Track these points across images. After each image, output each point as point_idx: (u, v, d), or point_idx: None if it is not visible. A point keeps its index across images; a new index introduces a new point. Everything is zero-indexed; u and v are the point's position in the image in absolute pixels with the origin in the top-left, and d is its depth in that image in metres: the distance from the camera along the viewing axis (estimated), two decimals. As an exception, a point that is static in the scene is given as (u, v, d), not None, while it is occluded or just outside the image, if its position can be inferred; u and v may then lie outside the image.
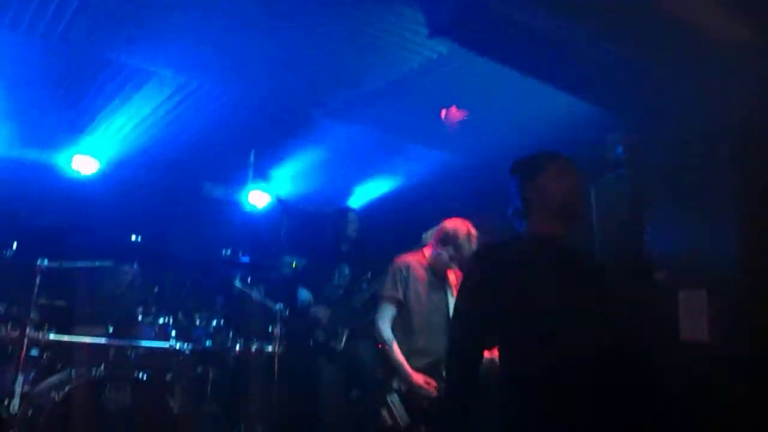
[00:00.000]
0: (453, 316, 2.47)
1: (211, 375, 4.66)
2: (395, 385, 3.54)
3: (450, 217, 4.03)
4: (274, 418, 4.71)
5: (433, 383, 3.46)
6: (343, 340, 5.10)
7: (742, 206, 3.41)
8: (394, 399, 3.50)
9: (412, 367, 3.54)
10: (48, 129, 5.29)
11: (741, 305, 3.28)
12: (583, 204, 2.42)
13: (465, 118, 4.66)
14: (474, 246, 3.69)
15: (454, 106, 4.47)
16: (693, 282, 3.57)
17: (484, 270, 2.30)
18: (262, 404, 4.72)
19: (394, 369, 3.57)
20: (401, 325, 3.70)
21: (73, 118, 5.04)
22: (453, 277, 3.83)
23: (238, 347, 4.56)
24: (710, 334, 3.32)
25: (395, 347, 3.62)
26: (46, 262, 3.74)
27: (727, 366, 3.17)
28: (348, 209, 5.72)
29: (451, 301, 3.67)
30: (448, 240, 3.75)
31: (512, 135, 5.00)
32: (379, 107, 4.73)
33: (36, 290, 3.71)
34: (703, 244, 3.59)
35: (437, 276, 3.79)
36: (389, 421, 3.45)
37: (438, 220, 4.05)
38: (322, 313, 5.20)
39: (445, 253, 3.74)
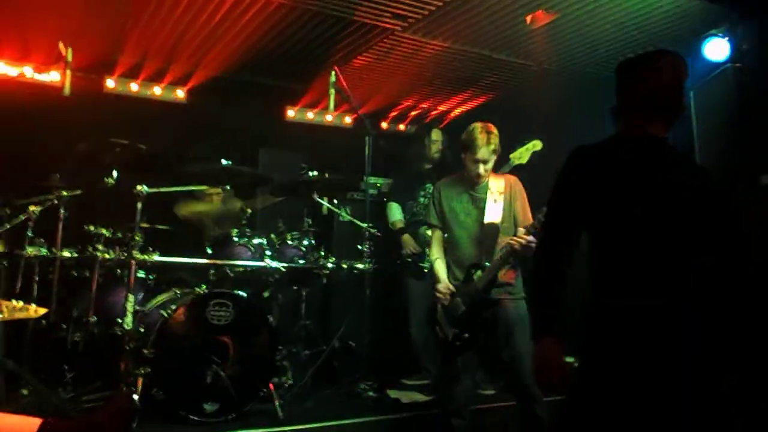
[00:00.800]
0: (546, 214, 2.44)
1: (304, 293, 4.83)
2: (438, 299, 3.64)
3: (535, 129, 3.91)
4: (367, 333, 4.84)
5: (450, 289, 3.56)
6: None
7: None
8: (439, 313, 3.59)
9: (454, 280, 3.61)
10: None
11: None
12: (683, 100, 2.26)
13: (551, 21, 4.42)
14: (491, 145, 3.56)
15: (540, 10, 4.25)
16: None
17: (575, 169, 2.26)
18: (355, 320, 4.86)
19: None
20: (446, 244, 3.78)
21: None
22: (499, 181, 3.68)
23: (329, 265, 4.65)
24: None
25: (437, 264, 3.71)
26: (145, 187, 3.88)
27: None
28: (430, 128, 5.64)
29: (490, 206, 3.58)
30: (466, 146, 3.63)
31: (607, 37, 4.73)
32: (462, 18, 4.55)
33: (138, 215, 3.88)
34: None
35: (474, 187, 3.68)
36: (440, 335, 3.57)
37: (529, 134, 3.92)
38: (409, 240, 5.27)
39: (467, 160, 3.62)
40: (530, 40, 4.80)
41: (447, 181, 3.85)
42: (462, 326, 3.48)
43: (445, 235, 3.78)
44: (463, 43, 4.98)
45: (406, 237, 5.32)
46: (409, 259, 5.26)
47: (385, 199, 5.82)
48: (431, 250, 3.84)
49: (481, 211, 3.61)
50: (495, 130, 3.60)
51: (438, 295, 3.58)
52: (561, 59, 5.21)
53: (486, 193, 3.64)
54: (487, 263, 3.48)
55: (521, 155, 3.86)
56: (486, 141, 3.55)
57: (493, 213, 3.58)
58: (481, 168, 3.59)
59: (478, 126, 3.61)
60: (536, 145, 3.84)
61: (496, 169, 3.75)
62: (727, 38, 4.08)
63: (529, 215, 3.63)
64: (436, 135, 5.48)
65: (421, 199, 5.41)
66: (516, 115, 5.66)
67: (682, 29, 4.43)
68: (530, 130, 4.10)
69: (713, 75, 4.00)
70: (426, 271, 5.15)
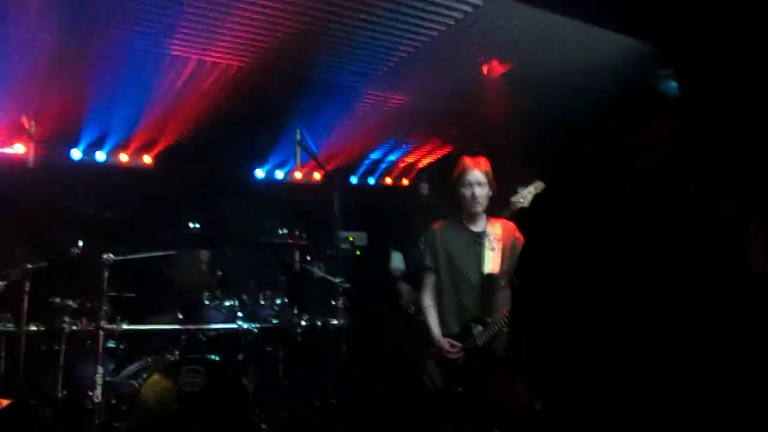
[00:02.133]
0: (518, 261, 2.41)
1: (280, 352, 4.76)
2: (432, 350, 3.47)
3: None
4: (348, 389, 4.77)
5: (457, 346, 3.36)
6: None
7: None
8: (430, 364, 3.44)
9: (447, 331, 3.43)
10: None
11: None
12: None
13: (505, 72, 4.55)
14: (481, 167, 3.47)
15: (495, 60, 4.37)
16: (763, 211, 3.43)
17: (545, 208, 2.28)
18: (334, 377, 4.79)
19: (427, 334, 3.50)
20: (438, 290, 3.55)
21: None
22: (496, 228, 3.55)
23: (303, 323, 4.61)
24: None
25: (429, 313, 3.53)
26: (111, 256, 3.85)
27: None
28: (423, 176, 5.55)
29: (488, 254, 3.45)
30: (455, 178, 3.53)
31: (558, 85, 4.86)
32: (420, 72, 4.66)
33: (105, 284, 3.83)
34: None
35: (469, 231, 3.54)
36: (430, 386, 3.42)
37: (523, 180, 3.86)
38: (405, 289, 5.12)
39: (460, 190, 3.50)
40: (486, 91, 4.91)
41: (443, 223, 3.65)
42: (456, 380, 3.35)
43: (440, 280, 3.55)
44: (424, 96, 5.09)
45: (402, 287, 5.15)
46: (411, 312, 5.05)
47: (358, 253, 5.81)
48: (423, 295, 3.60)
49: (479, 258, 3.46)
50: (485, 160, 3.51)
51: (446, 350, 3.36)
52: (521, 108, 5.33)
53: (484, 239, 3.49)
54: (487, 319, 3.34)
55: (524, 198, 3.66)
56: (475, 163, 3.46)
57: (492, 262, 3.43)
58: (476, 190, 3.44)
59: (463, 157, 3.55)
60: (538, 186, 3.62)
61: (498, 215, 3.64)
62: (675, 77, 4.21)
63: None
64: (428, 183, 5.38)
65: (422, 247, 5.23)
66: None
67: (631, 71, 4.57)
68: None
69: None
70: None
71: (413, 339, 5.02)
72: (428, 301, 3.56)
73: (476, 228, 3.55)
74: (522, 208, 3.65)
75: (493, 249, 3.46)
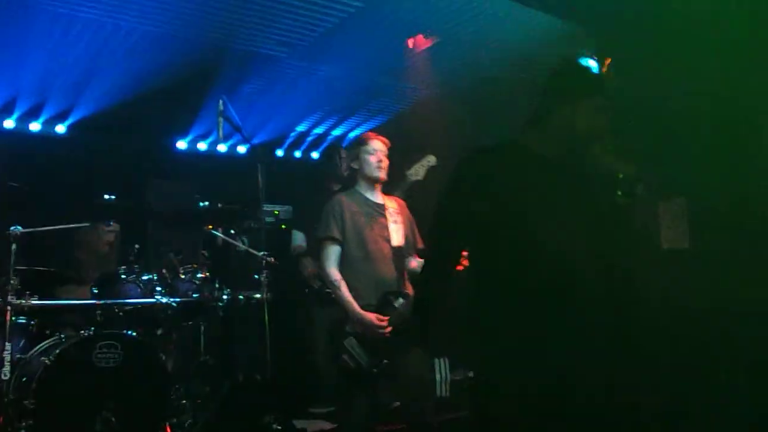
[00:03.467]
0: (433, 218, 2.39)
1: (202, 327, 4.69)
2: (349, 328, 3.42)
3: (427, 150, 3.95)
4: (271, 365, 4.74)
5: (385, 319, 3.35)
6: None
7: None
8: (351, 342, 3.39)
9: (364, 304, 3.40)
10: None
11: (719, 210, 3.31)
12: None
13: (432, 45, 4.56)
14: (380, 141, 3.60)
15: (421, 34, 4.37)
16: (671, 192, 3.59)
17: (465, 173, 2.28)
18: (257, 352, 4.75)
19: (345, 309, 3.43)
20: (348, 262, 3.52)
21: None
22: (392, 202, 3.66)
23: (225, 297, 4.54)
24: (690, 241, 3.36)
25: (343, 286, 3.45)
26: (20, 228, 3.68)
27: (707, 270, 3.21)
28: (338, 146, 5.59)
29: (393, 227, 3.53)
30: (356, 150, 3.65)
31: (481, 61, 4.91)
32: (345, 44, 4.61)
33: (13, 257, 3.65)
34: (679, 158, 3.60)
35: (372, 203, 3.60)
36: (351, 365, 3.38)
37: (418, 155, 3.96)
38: (309, 262, 5.18)
39: (363, 158, 3.60)
40: (413, 64, 4.93)
41: (345, 194, 3.67)
42: (381, 354, 3.35)
43: (347, 252, 3.52)
44: (350, 68, 5.04)
45: (305, 261, 5.21)
46: (316, 285, 5.15)
47: (284, 227, 5.77)
48: (329, 269, 3.51)
49: (386, 229, 3.52)
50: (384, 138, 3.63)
51: (374, 325, 3.32)
52: (443, 83, 5.36)
53: (385, 211, 3.57)
54: (404, 290, 3.40)
55: (417, 171, 3.87)
56: (374, 136, 3.60)
57: (397, 234, 3.51)
58: (380, 157, 3.55)
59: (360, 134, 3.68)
60: (431, 160, 3.88)
61: (394, 189, 3.74)
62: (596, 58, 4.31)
63: (419, 239, 3.65)
64: (344, 153, 5.37)
65: None
66: (406, 138, 5.76)
67: (554, 51, 4.66)
68: (422, 151, 4.17)
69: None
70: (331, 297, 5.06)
71: (327, 315, 5.09)
72: (336, 275, 3.48)
73: (376, 200, 3.62)
74: (416, 182, 3.82)
75: (395, 222, 3.56)
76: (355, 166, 3.70)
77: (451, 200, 2.31)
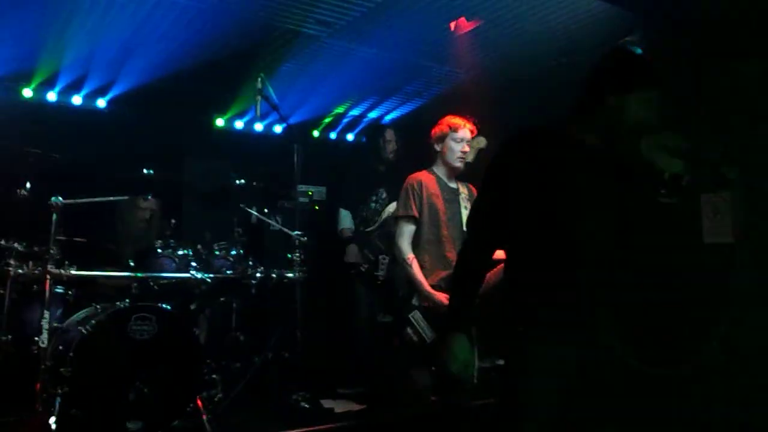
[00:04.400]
0: (473, 207, 2.42)
1: (234, 304, 4.73)
2: (415, 302, 3.53)
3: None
4: (300, 343, 4.78)
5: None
6: (385, 268, 5.08)
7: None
8: (416, 316, 3.50)
9: (434, 283, 3.52)
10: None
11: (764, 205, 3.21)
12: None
13: (476, 28, 4.49)
14: (469, 126, 3.64)
15: (463, 17, 4.30)
16: (716, 185, 3.50)
17: (508, 160, 2.22)
18: (288, 330, 4.79)
19: (415, 286, 3.55)
20: (421, 242, 3.64)
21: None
22: (464, 188, 3.78)
23: (258, 275, 4.57)
24: (733, 235, 3.27)
25: (414, 264, 3.58)
26: (61, 199, 3.73)
27: (750, 265, 3.13)
28: (385, 126, 5.56)
29: (464, 213, 3.62)
30: (442, 133, 3.69)
31: (526, 45, 4.83)
32: (386, 25, 4.56)
33: (54, 228, 3.72)
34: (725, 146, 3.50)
35: (449, 188, 3.72)
36: (415, 338, 3.47)
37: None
38: (353, 250, 5.17)
39: (449, 143, 3.66)
40: (454, 47, 4.86)
41: (422, 174, 3.75)
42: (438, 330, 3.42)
43: (422, 232, 3.63)
44: (389, 50, 4.99)
45: (351, 248, 5.22)
46: (363, 267, 5.12)
47: (317, 208, 5.79)
48: (403, 246, 3.64)
49: (458, 214, 3.62)
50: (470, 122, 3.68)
51: (443, 308, 3.32)
52: (485, 66, 5.29)
53: (459, 196, 3.68)
54: None
55: (468, 154, 3.83)
56: (464, 123, 3.66)
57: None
58: (465, 146, 3.64)
59: (450, 116, 3.71)
60: (480, 142, 3.86)
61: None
62: (641, 44, 4.21)
63: None
64: (390, 134, 5.37)
65: (372, 205, 5.30)
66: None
67: (600, 36, 4.56)
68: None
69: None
70: (380, 281, 5.05)
71: (370, 297, 5.11)
72: (409, 253, 3.62)
73: (452, 185, 3.73)
74: (467, 163, 3.79)
75: (466, 207, 3.64)
76: (438, 148, 3.76)
77: (492, 188, 2.26)
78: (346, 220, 5.31)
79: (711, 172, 3.41)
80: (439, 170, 3.75)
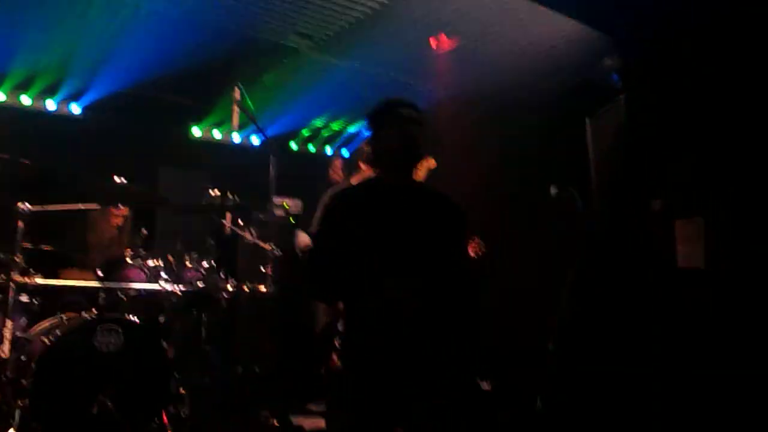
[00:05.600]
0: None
1: (204, 317, 4.65)
2: (341, 326, 3.43)
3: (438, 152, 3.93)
4: (271, 359, 4.72)
5: None
6: None
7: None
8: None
9: None
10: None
11: (737, 231, 3.23)
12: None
13: (456, 46, 4.50)
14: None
15: (443, 34, 4.30)
16: (689, 210, 3.52)
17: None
18: (258, 344, 4.72)
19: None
20: None
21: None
22: None
23: (230, 288, 4.49)
24: (706, 261, 3.29)
25: None
26: (27, 206, 3.64)
27: (723, 291, 3.14)
28: (333, 156, 5.69)
29: None
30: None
31: (510, 64, 4.85)
32: (367, 40, 4.55)
33: (19, 235, 3.62)
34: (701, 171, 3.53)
35: None
36: (339, 363, 3.39)
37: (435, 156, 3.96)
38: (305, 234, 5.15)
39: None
40: (434, 65, 4.86)
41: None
42: None
43: None
44: (370, 65, 4.98)
45: (300, 234, 5.19)
46: None
47: (292, 221, 5.73)
48: None
49: None
50: None
51: None
52: (465, 84, 5.30)
53: None
54: None
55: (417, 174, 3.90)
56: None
57: None
58: None
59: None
60: (431, 163, 3.95)
61: None
62: (620, 67, 4.24)
63: None
64: (337, 162, 5.51)
65: None
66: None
67: (579, 57, 4.60)
68: (436, 151, 4.14)
69: (607, 107, 4.15)
70: None
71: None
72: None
73: None
74: None
75: None
76: (362, 167, 3.73)
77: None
78: (303, 237, 5.35)
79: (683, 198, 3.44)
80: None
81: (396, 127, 2.45)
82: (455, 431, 2.30)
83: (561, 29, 4.22)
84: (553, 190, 3.48)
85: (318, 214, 3.67)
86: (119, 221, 4.61)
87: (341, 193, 2.63)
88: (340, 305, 2.82)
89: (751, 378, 2.92)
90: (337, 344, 3.39)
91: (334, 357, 3.38)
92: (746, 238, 3.19)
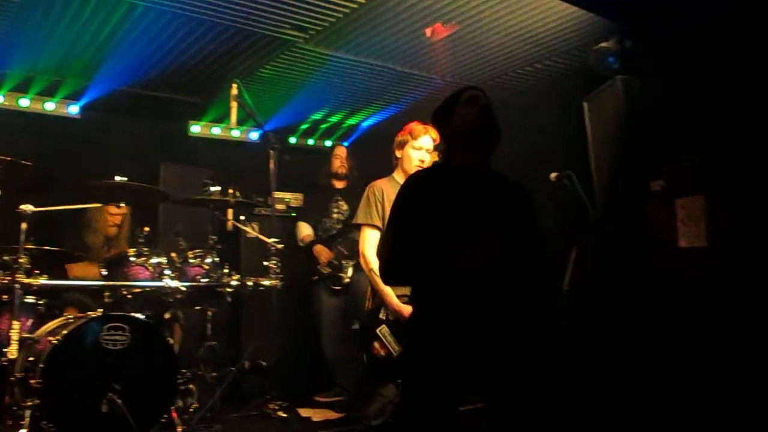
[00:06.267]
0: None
1: (209, 312, 4.68)
2: (383, 315, 3.42)
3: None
4: (276, 351, 4.75)
5: None
6: (349, 273, 5.13)
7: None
8: (383, 331, 3.39)
9: (399, 294, 3.39)
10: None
11: (738, 209, 3.23)
12: (493, 130, 2.47)
13: (451, 34, 4.49)
14: (431, 134, 3.65)
15: (439, 23, 4.29)
16: (690, 190, 3.52)
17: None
18: (264, 338, 4.75)
19: (382, 298, 3.44)
20: None
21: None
22: None
23: (234, 283, 4.52)
24: (708, 240, 3.29)
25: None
26: (30, 207, 3.66)
27: (725, 270, 3.15)
28: (335, 145, 5.73)
29: None
30: (402, 140, 3.71)
31: (505, 51, 4.84)
32: (363, 31, 4.54)
33: (23, 236, 3.64)
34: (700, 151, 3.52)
35: None
36: (382, 352, 3.37)
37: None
38: (323, 250, 5.24)
39: (408, 150, 3.68)
40: (431, 53, 4.85)
41: (383, 182, 3.72)
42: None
43: None
44: (367, 56, 4.97)
45: (319, 248, 5.29)
46: (326, 271, 5.18)
47: (294, 215, 5.80)
48: (368, 257, 3.56)
49: None
50: (434, 129, 3.62)
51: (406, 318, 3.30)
52: (462, 72, 5.30)
53: None
54: None
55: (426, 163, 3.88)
56: (424, 131, 3.64)
57: None
58: (424, 155, 3.61)
59: (413, 123, 3.70)
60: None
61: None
62: (616, 50, 4.23)
63: None
64: (339, 151, 5.57)
65: (335, 215, 5.43)
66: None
67: (575, 41, 4.59)
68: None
69: (604, 87, 4.15)
70: (343, 285, 5.11)
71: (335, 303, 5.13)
72: (377, 264, 3.47)
73: None
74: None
75: None
76: (398, 155, 3.76)
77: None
78: (303, 228, 5.42)
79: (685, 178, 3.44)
80: (399, 177, 3.69)
81: (469, 107, 2.44)
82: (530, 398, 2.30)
83: (557, 13, 4.21)
84: (552, 175, 3.48)
85: (375, 202, 3.62)
86: (117, 220, 4.62)
87: (414, 178, 2.61)
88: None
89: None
90: (378, 333, 3.43)
91: (376, 345, 3.42)
92: (749, 215, 3.19)
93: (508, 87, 5.49)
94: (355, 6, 4.12)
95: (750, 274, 3.05)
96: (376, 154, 5.44)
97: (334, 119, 6.78)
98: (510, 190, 2.54)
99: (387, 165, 3.89)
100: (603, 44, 4.16)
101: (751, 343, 2.97)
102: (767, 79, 3.19)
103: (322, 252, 5.28)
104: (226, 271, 4.53)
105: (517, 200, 2.52)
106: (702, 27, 3.53)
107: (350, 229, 5.21)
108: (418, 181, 2.56)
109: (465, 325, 2.31)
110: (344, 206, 5.47)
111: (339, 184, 5.58)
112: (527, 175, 4.44)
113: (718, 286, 3.13)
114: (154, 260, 4.24)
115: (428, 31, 4.41)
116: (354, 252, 5.06)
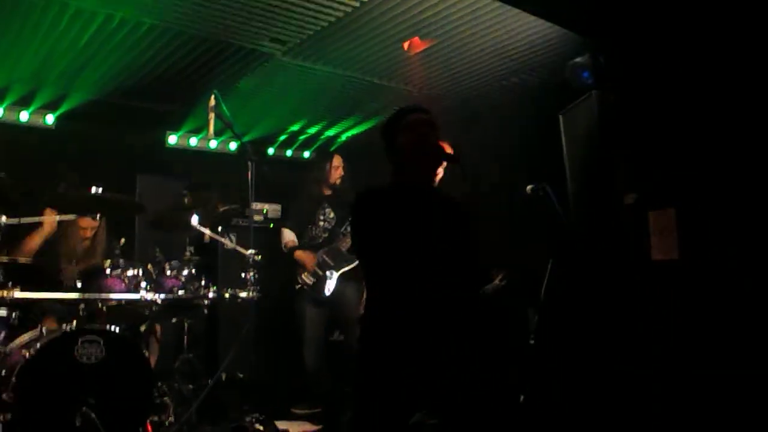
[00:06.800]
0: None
1: (186, 324, 4.65)
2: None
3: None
4: (255, 363, 4.72)
5: None
6: (333, 283, 5.10)
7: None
8: None
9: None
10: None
11: (710, 222, 3.30)
12: (433, 153, 2.55)
13: (428, 48, 4.54)
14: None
15: (416, 37, 4.34)
16: (662, 203, 3.58)
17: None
18: (241, 351, 4.72)
19: None
20: None
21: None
22: None
23: (211, 295, 4.49)
24: (680, 252, 3.35)
25: None
26: (3, 218, 3.62)
27: (696, 282, 3.20)
28: (331, 153, 5.67)
29: None
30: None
31: (481, 65, 4.90)
32: (341, 44, 4.57)
33: (-5, 248, 3.60)
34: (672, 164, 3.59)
35: None
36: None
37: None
38: (307, 257, 5.19)
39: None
40: (408, 67, 4.89)
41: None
42: None
43: None
44: (344, 68, 5.00)
45: (302, 254, 5.21)
46: (310, 281, 5.13)
47: (272, 226, 5.77)
48: None
49: None
50: None
51: None
52: (439, 85, 5.35)
53: None
54: None
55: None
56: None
57: None
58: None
59: None
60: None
61: None
62: (590, 65, 4.30)
63: None
64: (337, 161, 5.50)
65: (321, 223, 5.37)
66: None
67: (550, 57, 4.66)
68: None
69: (579, 101, 4.21)
70: (327, 295, 5.08)
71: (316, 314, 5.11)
72: None
73: None
74: None
75: None
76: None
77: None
78: (287, 234, 5.37)
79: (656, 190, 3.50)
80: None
81: (409, 132, 2.54)
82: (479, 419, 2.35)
83: (532, 29, 4.27)
84: (528, 187, 3.52)
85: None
86: (87, 233, 4.57)
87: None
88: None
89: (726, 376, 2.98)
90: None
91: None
92: (719, 227, 3.25)
93: (484, 100, 5.54)
94: (332, 20, 4.15)
95: (721, 286, 3.11)
96: (358, 164, 5.49)
97: (311, 130, 6.79)
98: (453, 207, 2.63)
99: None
100: (578, 59, 4.22)
101: (724, 349, 3.03)
102: (739, 94, 3.26)
103: (307, 259, 5.21)
104: (202, 283, 4.51)
105: (459, 217, 2.62)
106: (674, 43, 3.61)
107: (336, 238, 5.22)
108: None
109: (421, 343, 2.36)
110: (331, 214, 5.40)
111: (327, 192, 5.52)
112: (503, 187, 4.53)
113: (690, 298, 3.19)
114: (130, 272, 4.20)
115: (406, 45, 4.45)
116: (338, 263, 5.08)
